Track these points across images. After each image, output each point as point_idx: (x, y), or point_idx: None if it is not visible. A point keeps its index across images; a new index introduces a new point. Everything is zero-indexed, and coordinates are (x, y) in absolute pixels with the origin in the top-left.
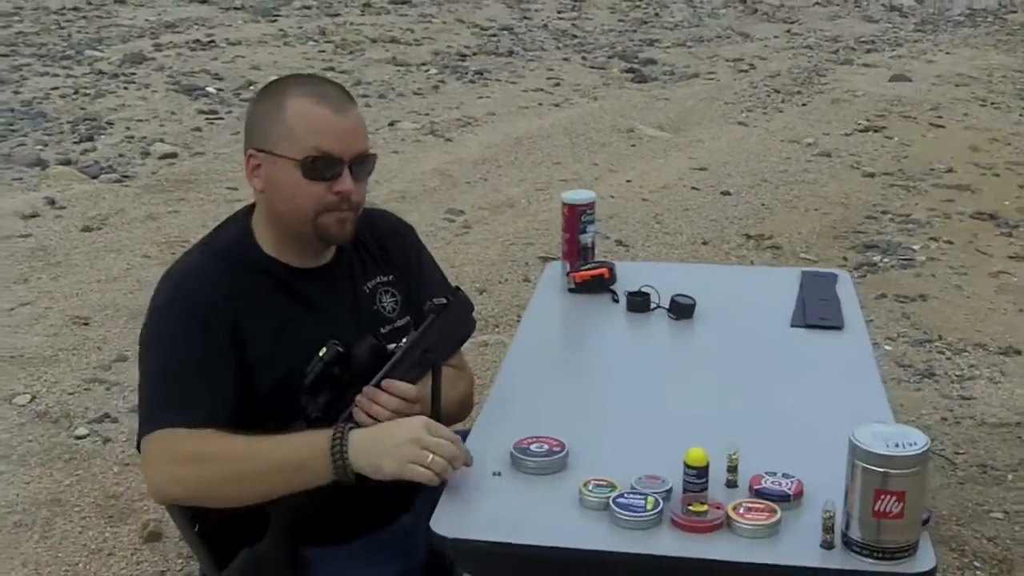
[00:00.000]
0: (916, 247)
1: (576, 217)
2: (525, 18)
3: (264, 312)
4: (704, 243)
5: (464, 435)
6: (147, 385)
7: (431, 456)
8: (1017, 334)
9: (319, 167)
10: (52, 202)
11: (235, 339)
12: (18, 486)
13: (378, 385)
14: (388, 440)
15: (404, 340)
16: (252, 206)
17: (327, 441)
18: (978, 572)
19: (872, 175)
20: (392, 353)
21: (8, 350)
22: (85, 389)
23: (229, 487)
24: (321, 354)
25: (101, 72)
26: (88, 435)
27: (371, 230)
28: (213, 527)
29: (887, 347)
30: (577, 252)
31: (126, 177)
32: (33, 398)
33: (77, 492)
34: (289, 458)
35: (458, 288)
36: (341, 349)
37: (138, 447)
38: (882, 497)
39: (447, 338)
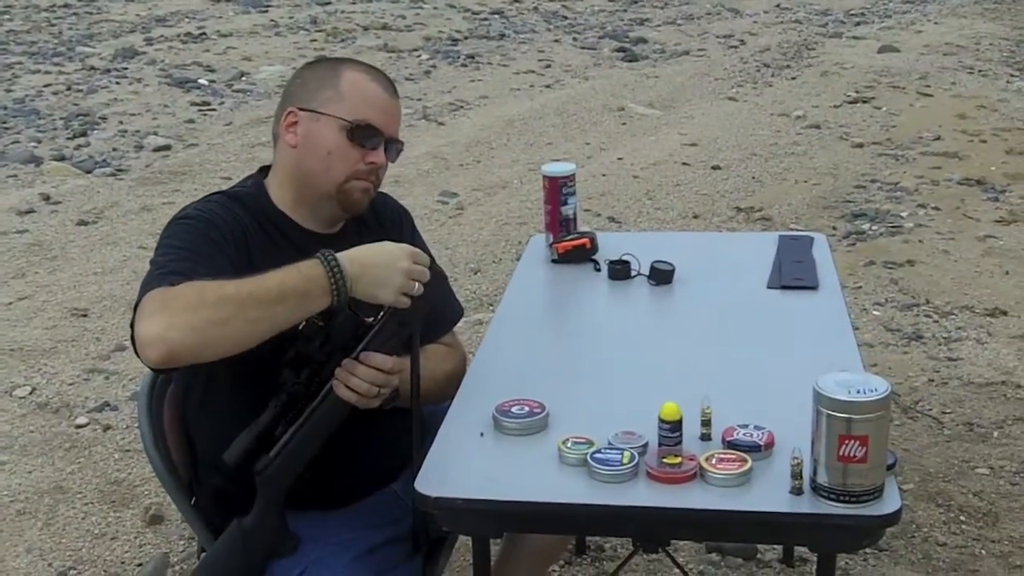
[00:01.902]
0: (904, 214)
1: (557, 189)
2: (516, 1)
3: (273, 261)
4: (695, 217)
5: (450, 402)
6: (150, 268)
7: (417, 285)
8: (1002, 296)
9: (362, 134)
10: (47, 198)
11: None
12: (20, 475)
13: (356, 357)
14: (385, 273)
15: (381, 314)
16: (263, 169)
17: (320, 267)
18: (964, 526)
19: (861, 145)
20: (371, 326)
21: (8, 343)
22: (84, 379)
23: (224, 328)
24: (301, 327)
25: (93, 68)
26: (88, 424)
27: (372, 210)
28: (209, 499)
29: (876, 312)
30: (559, 223)
31: (120, 171)
32: (33, 390)
33: (79, 479)
34: (284, 287)
35: (433, 261)
36: (320, 323)
37: (132, 327)
38: (846, 442)
39: (421, 309)
